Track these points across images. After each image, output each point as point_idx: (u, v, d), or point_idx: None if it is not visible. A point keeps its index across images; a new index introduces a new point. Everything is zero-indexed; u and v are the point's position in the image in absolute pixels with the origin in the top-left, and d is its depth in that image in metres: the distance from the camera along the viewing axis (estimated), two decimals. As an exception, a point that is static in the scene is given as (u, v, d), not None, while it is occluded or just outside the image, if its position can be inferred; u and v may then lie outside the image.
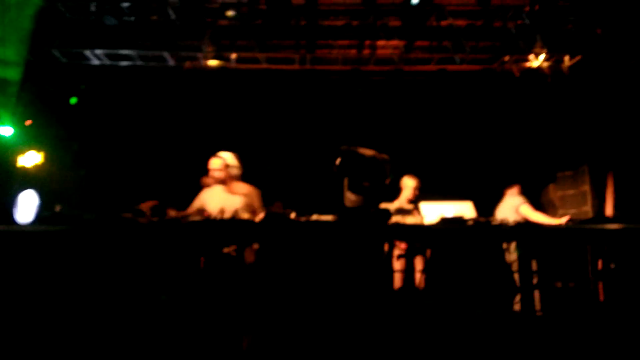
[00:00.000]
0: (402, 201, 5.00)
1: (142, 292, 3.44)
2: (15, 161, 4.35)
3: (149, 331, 3.28)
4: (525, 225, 3.66)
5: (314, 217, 4.06)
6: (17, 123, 5.10)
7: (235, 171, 4.56)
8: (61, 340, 3.20)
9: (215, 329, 3.39)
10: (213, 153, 4.40)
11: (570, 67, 6.05)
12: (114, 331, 3.26)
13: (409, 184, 5.04)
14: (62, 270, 3.32)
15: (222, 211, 4.11)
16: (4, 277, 3.39)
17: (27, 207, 3.84)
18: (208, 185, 4.46)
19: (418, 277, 3.86)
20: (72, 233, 3.36)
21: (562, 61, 6.13)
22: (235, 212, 4.17)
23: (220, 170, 4.43)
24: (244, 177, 4.60)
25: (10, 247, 3.47)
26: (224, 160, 4.49)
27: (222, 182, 4.43)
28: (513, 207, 4.98)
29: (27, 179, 4.17)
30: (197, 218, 3.79)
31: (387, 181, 3.77)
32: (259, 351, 3.36)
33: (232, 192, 4.45)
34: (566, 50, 6.04)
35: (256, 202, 4.49)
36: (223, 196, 4.39)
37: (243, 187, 4.52)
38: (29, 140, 4.96)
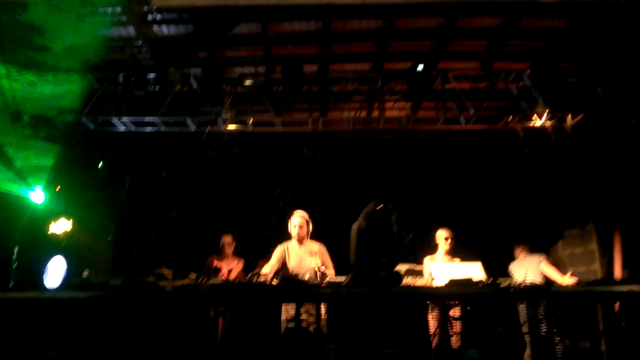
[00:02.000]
0: (441, 255, 5.16)
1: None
2: (46, 227, 4.63)
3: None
4: (532, 289, 3.76)
5: (327, 279, 4.23)
6: (49, 189, 5.46)
7: (311, 229, 4.92)
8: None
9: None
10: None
11: (574, 126, 6.24)
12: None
13: (442, 235, 5.22)
14: (89, 334, 3.49)
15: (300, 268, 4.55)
16: (32, 342, 3.56)
17: (56, 272, 4.07)
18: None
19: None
20: (99, 299, 3.56)
21: (564, 120, 6.33)
22: (313, 270, 4.49)
23: (302, 227, 4.81)
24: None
25: (40, 312, 3.66)
26: (305, 218, 4.86)
27: (301, 239, 4.79)
28: (534, 265, 5.11)
29: (57, 245, 4.41)
30: (218, 281, 3.97)
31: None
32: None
33: (308, 248, 4.80)
34: (568, 109, 6.26)
35: (327, 257, 4.82)
36: (300, 253, 4.76)
37: (315, 244, 4.84)
38: (59, 206, 5.28)
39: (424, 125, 6.93)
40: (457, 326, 3.58)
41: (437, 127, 6.72)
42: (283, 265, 4.80)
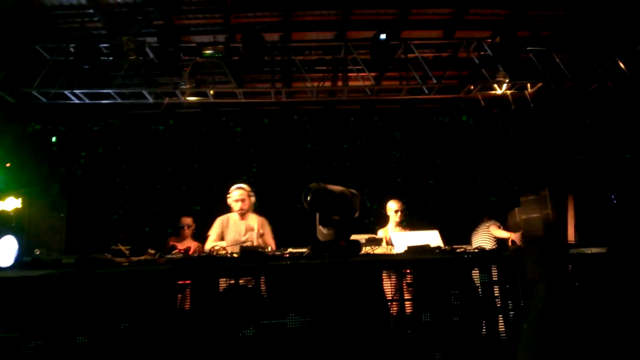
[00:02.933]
0: (392, 226, 5.24)
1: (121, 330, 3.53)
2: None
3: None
4: (485, 253, 3.85)
5: (289, 250, 4.22)
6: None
7: (253, 201, 4.86)
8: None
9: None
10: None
11: (533, 95, 6.34)
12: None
13: (393, 207, 5.28)
14: (44, 313, 3.41)
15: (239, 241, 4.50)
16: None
17: (6, 252, 3.92)
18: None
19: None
20: (51, 277, 3.46)
21: (524, 88, 6.42)
22: (253, 242, 4.54)
23: (243, 200, 4.74)
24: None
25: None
26: (246, 190, 4.80)
27: (242, 212, 4.74)
28: (485, 231, 5.49)
29: (6, 224, 4.25)
30: (177, 255, 3.90)
31: (356, 215, 3.97)
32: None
33: (248, 222, 4.76)
34: (527, 77, 6.34)
35: (268, 230, 4.81)
36: (241, 226, 4.71)
37: (256, 217, 4.81)
38: (9, 184, 5.07)
39: (388, 95, 6.92)
40: (412, 292, 3.65)
41: (400, 96, 6.72)
42: (221, 237, 4.72)
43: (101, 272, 3.53)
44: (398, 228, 5.23)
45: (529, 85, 6.45)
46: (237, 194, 4.79)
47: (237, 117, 7.53)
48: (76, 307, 3.50)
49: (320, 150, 7.30)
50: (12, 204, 4.44)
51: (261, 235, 4.73)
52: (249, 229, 4.73)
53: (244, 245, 4.31)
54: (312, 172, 7.00)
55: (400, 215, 5.22)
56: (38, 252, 3.84)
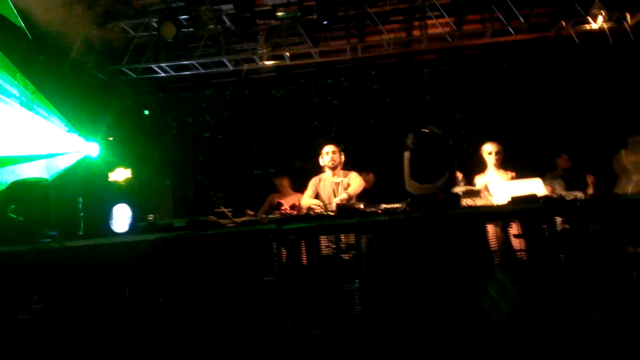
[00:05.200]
0: (492, 170, 4.95)
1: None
2: (105, 177, 4.81)
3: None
4: (603, 200, 3.63)
5: (383, 206, 4.23)
6: (103, 142, 5.64)
7: (343, 159, 5.01)
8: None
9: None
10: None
11: (633, 27, 5.76)
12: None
13: (488, 150, 4.94)
14: (161, 274, 3.68)
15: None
16: (109, 283, 3.78)
17: (122, 219, 4.24)
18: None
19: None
20: (168, 240, 3.70)
21: (623, 20, 5.84)
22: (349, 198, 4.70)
23: (335, 153, 4.91)
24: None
25: (112, 257, 3.86)
26: (337, 147, 4.97)
27: (334, 164, 4.91)
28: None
29: (119, 193, 4.59)
30: (276, 216, 4.05)
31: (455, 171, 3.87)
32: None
33: (339, 179, 4.91)
34: (626, 7, 5.76)
35: (357, 184, 4.88)
36: (332, 184, 4.90)
37: (346, 174, 4.97)
38: (115, 157, 5.46)
39: (469, 40, 6.57)
40: (522, 244, 3.53)
41: (484, 40, 6.37)
42: (316, 197, 4.91)
43: (211, 233, 3.74)
44: (500, 171, 4.92)
45: (628, 16, 5.86)
46: (328, 148, 4.95)
47: (314, 78, 7.52)
48: (190, 265, 3.75)
49: (401, 104, 7.15)
50: (122, 174, 4.77)
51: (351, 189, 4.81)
52: (342, 186, 4.83)
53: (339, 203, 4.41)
54: (392, 127, 6.88)
55: (499, 157, 4.88)
56: (151, 217, 4.13)
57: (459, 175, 4.42)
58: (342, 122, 7.10)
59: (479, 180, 4.93)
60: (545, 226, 3.59)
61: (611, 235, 3.50)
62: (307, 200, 4.90)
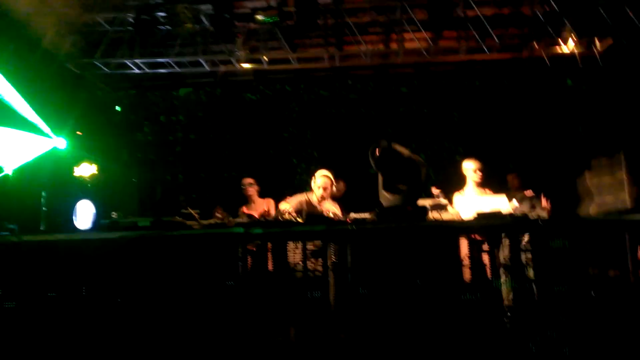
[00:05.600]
0: (471, 187, 4.90)
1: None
2: (71, 172, 4.69)
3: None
4: (565, 220, 3.72)
5: (352, 215, 4.25)
6: (70, 135, 5.49)
7: (334, 190, 5.03)
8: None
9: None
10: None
11: (603, 52, 5.97)
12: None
13: (471, 167, 4.90)
14: (121, 274, 3.60)
15: None
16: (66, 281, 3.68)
17: (85, 215, 4.15)
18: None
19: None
20: (130, 240, 3.63)
21: (593, 45, 6.05)
22: None
23: (326, 189, 4.90)
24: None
25: (72, 254, 3.76)
26: (330, 178, 4.96)
27: (323, 199, 4.90)
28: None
29: (83, 189, 4.48)
30: (244, 220, 4.02)
31: (422, 180, 3.93)
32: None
33: (326, 208, 4.86)
34: (596, 33, 5.96)
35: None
36: (317, 210, 4.80)
37: (333, 205, 4.96)
38: (82, 151, 5.32)
39: (445, 56, 6.69)
40: (487, 259, 3.58)
41: (459, 57, 6.50)
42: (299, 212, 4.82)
43: (176, 234, 3.68)
44: (478, 189, 4.89)
45: (597, 42, 6.07)
46: (322, 182, 4.92)
47: (290, 84, 7.53)
48: (152, 266, 3.68)
49: (375, 116, 7.20)
50: (88, 169, 4.66)
51: None
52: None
53: None
54: (367, 137, 6.92)
55: (481, 175, 4.84)
56: (114, 215, 4.04)
57: (435, 190, 4.40)
58: (317, 130, 7.11)
59: (457, 198, 4.81)
60: (509, 243, 3.68)
61: (573, 254, 3.59)
62: (284, 206, 4.78)
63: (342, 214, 4.76)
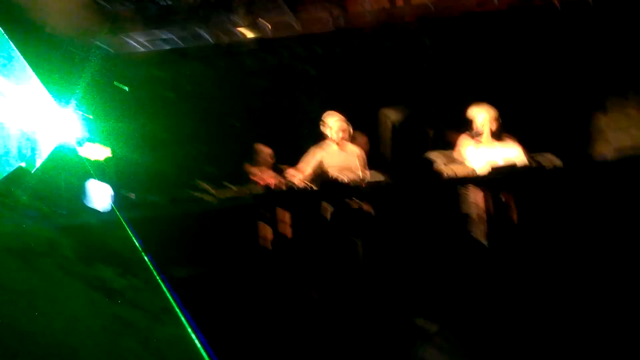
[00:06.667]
0: (485, 136, 4.52)
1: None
2: (83, 155, 4.74)
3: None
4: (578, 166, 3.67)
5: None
6: (80, 118, 5.54)
7: (351, 131, 4.88)
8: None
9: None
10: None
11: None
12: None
13: (483, 115, 4.52)
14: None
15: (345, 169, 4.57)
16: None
17: (102, 196, 4.22)
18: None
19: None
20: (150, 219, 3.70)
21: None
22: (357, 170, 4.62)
23: (344, 130, 4.79)
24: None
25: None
26: (345, 121, 4.85)
27: (344, 142, 4.82)
28: None
29: (100, 172, 4.54)
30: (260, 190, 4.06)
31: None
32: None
33: (347, 151, 4.81)
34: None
35: (364, 162, 4.83)
36: (342, 156, 4.76)
37: (354, 147, 4.88)
38: (92, 134, 5.37)
39: (450, 9, 6.49)
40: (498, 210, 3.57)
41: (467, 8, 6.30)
42: (322, 169, 4.75)
43: (195, 210, 3.75)
44: (493, 140, 4.56)
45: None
46: (338, 126, 4.79)
47: (295, 49, 7.40)
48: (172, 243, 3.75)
49: (382, 72, 7.04)
50: (100, 152, 4.71)
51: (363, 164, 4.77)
52: (352, 159, 4.76)
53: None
54: (375, 95, 6.81)
55: (497, 123, 4.50)
56: (133, 196, 4.11)
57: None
58: (326, 91, 7.00)
59: (469, 150, 4.49)
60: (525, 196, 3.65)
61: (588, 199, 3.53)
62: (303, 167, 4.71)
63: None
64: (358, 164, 4.68)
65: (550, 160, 3.73)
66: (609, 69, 5.89)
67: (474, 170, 4.13)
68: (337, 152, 4.78)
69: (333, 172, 4.63)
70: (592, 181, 3.59)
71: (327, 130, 4.85)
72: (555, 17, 6.24)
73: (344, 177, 4.34)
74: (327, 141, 4.87)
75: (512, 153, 4.10)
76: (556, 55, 6.35)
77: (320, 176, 4.54)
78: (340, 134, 4.75)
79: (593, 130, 5.30)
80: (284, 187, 4.45)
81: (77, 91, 6.09)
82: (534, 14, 6.40)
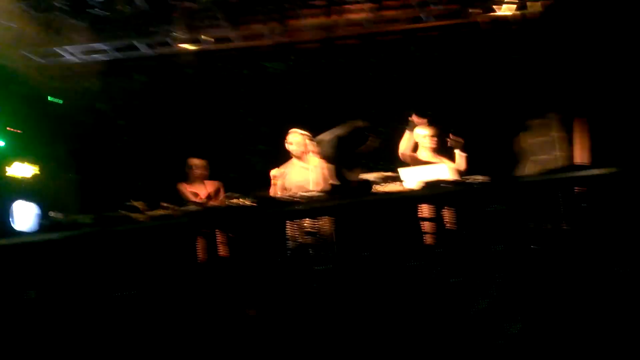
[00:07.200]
0: (426, 154, 4.84)
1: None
2: (4, 172, 4.47)
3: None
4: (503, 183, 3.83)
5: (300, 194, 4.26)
6: (4, 133, 5.22)
7: (311, 147, 4.89)
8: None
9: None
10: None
11: (536, 12, 6.08)
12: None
13: (422, 133, 4.81)
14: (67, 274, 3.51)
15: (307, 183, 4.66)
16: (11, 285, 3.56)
17: (23, 216, 4.00)
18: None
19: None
20: (72, 238, 3.54)
21: (525, 7, 6.15)
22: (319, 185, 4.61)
23: (302, 145, 4.87)
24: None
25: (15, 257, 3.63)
26: (304, 136, 4.90)
27: (299, 156, 4.88)
28: None
29: (20, 189, 4.30)
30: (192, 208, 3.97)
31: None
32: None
33: (310, 166, 4.84)
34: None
35: (327, 173, 4.73)
36: (302, 171, 4.83)
37: (318, 160, 4.76)
38: (16, 149, 5.06)
39: (386, 26, 6.68)
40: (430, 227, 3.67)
41: (401, 27, 6.50)
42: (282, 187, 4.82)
43: (120, 229, 3.61)
44: (433, 156, 4.87)
45: (530, 4, 6.16)
46: (296, 140, 4.94)
47: (233, 63, 7.37)
48: (97, 264, 3.60)
49: (322, 90, 7.15)
50: (22, 169, 4.47)
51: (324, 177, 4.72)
52: (313, 173, 4.80)
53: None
54: (315, 113, 6.90)
55: (436, 140, 4.79)
56: (54, 215, 3.91)
57: None
58: (262, 107, 7.01)
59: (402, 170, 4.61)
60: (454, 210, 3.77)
61: (512, 215, 3.70)
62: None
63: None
64: (320, 178, 4.69)
65: (474, 178, 3.89)
66: (534, 92, 6.25)
67: (409, 189, 4.24)
68: (299, 168, 4.87)
69: (290, 188, 4.75)
70: (518, 198, 3.75)
71: (289, 147, 4.96)
72: (483, 39, 6.56)
73: (297, 192, 4.36)
74: (292, 159, 4.97)
75: (440, 172, 4.26)
76: (483, 77, 6.68)
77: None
78: (302, 148, 4.85)
79: (519, 152, 5.60)
80: (220, 199, 4.39)
81: (5, 105, 5.77)
82: (462, 36, 6.70)
